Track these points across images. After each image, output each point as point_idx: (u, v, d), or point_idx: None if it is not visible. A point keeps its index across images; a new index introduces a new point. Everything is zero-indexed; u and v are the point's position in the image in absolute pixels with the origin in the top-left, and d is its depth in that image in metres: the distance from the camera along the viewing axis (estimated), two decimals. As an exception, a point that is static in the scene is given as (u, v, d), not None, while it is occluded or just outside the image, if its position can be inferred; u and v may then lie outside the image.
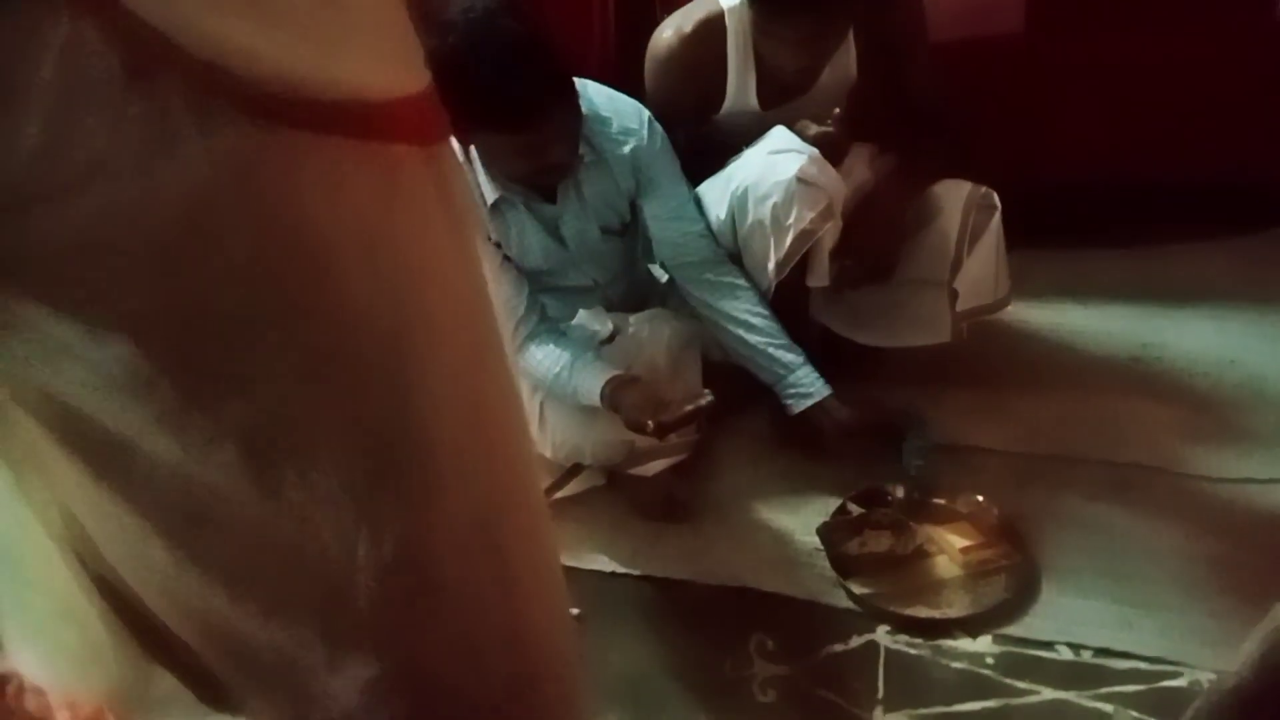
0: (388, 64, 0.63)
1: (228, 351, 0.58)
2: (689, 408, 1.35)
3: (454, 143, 1.37)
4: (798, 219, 1.46)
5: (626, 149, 1.52)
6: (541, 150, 1.39)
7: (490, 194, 1.49)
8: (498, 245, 1.53)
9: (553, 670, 0.73)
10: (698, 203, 1.60)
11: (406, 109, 0.65)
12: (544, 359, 1.49)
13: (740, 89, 1.61)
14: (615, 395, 1.41)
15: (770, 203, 1.47)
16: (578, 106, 1.42)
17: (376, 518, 0.60)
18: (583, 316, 1.63)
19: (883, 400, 1.59)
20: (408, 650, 0.63)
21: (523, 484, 0.72)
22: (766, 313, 1.54)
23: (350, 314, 0.59)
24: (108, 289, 0.55)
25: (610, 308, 1.64)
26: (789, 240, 1.48)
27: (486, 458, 0.67)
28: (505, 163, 1.44)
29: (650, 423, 1.35)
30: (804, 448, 1.58)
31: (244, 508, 0.59)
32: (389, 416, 0.61)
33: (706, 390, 1.40)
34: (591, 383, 1.44)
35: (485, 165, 1.47)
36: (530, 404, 1.55)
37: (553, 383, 1.48)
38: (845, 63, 1.59)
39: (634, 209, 1.60)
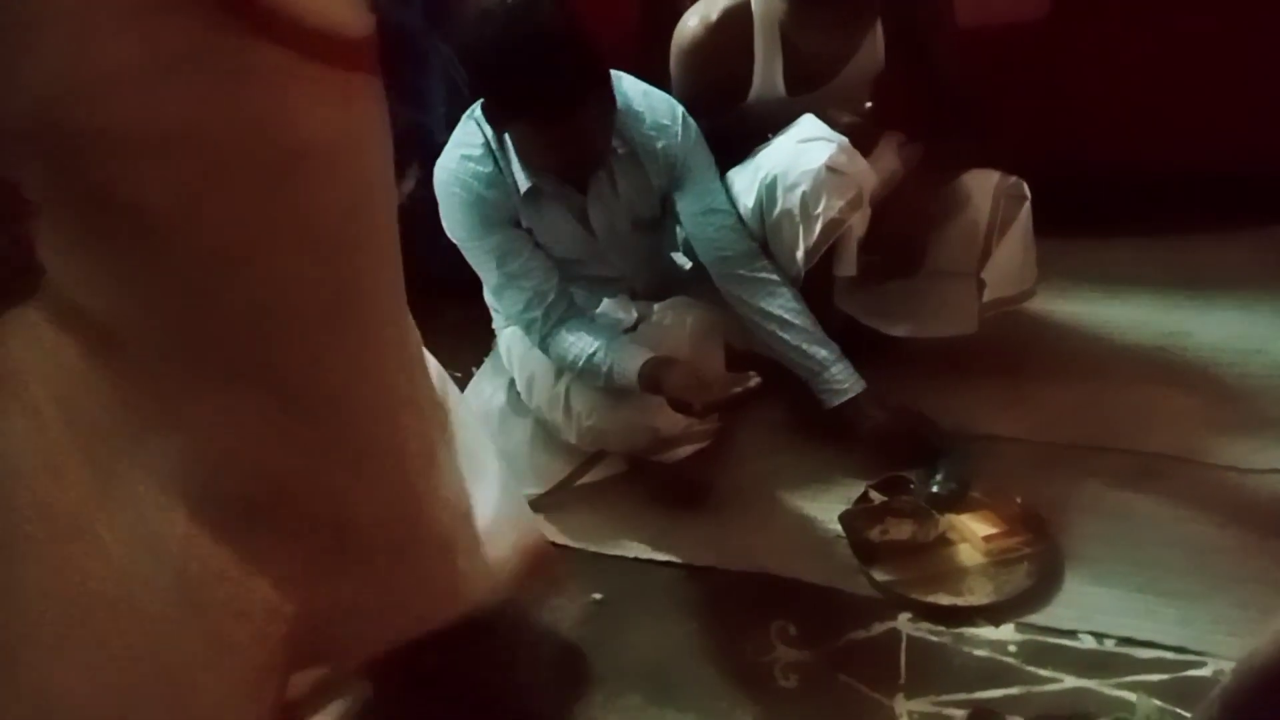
0: (357, 8, 0.80)
1: (232, 232, 0.75)
2: (737, 389, 1.35)
3: (488, 128, 1.40)
4: (827, 208, 1.46)
5: (660, 144, 1.52)
6: (575, 141, 1.40)
7: (523, 182, 1.50)
8: (529, 231, 1.54)
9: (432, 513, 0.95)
10: (728, 194, 1.59)
11: (367, 46, 0.80)
12: (575, 342, 1.50)
13: (767, 76, 1.61)
14: (656, 374, 1.42)
15: (799, 191, 1.47)
16: (613, 99, 1.43)
17: (335, 347, 0.84)
18: (607, 305, 1.64)
19: (923, 410, 1.57)
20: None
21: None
22: (801, 308, 1.54)
23: (318, 201, 0.78)
24: (123, 175, 0.70)
25: (634, 297, 1.65)
26: (818, 229, 1.48)
27: (404, 312, 0.95)
28: (539, 152, 1.45)
29: (696, 403, 1.36)
30: (834, 440, 1.59)
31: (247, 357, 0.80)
32: (345, 281, 0.83)
33: (752, 372, 1.39)
34: (628, 363, 1.45)
35: (519, 153, 1.48)
36: (555, 390, 1.57)
37: (585, 365, 1.49)
38: (873, 50, 1.59)
39: (665, 203, 1.60)
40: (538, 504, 1.59)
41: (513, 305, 1.55)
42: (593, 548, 1.51)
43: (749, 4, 1.57)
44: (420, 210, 1.93)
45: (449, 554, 0.99)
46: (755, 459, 1.62)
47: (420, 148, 1.88)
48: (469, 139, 1.51)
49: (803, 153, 1.48)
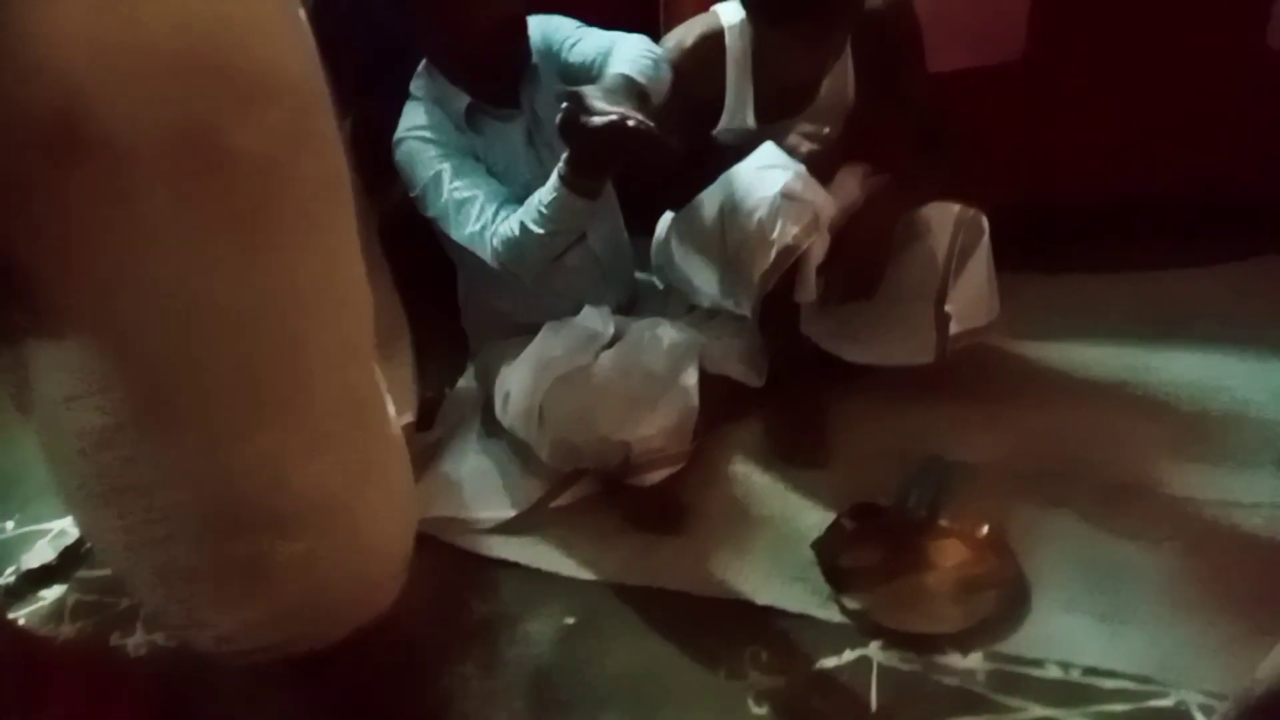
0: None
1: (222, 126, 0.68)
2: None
3: (425, 92, 1.52)
4: (782, 233, 1.48)
5: (568, 46, 1.60)
6: (489, 40, 1.48)
7: (461, 102, 1.55)
8: (477, 159, 1.58)
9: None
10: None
11: None
12: (511, 219, 1.49)
13: (738, 105, 1.64)
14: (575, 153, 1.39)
15: (756, 216, 1.49)
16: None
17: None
18: (588, 314, 1.65)
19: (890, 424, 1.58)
20: None
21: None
22: None
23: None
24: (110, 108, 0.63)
25: (604, 276, 1.70)
26: (773, 254, 1.49)
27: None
28: (462, 62, 1.53)
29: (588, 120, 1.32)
30: (800, 458, 1.61)
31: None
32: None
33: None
34: (547, 188, 1.44)
35: (451, 80, 1.56)
36: (529, 405, 1.57)
37: (529, 224, 1.47)
38: (843, 84, 1.62)
39: None
40: (511, 526, 1.59)
41: (463, 225, 1.53)
42: (565, 571, 1.51)
43: (723, 34, 1.60)
44: (399, 221, 1.93)
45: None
46: (729, 483, 1.62)
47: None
48: (412, 109, 1.58)
49: (761, 179, 1.50)
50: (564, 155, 1.42)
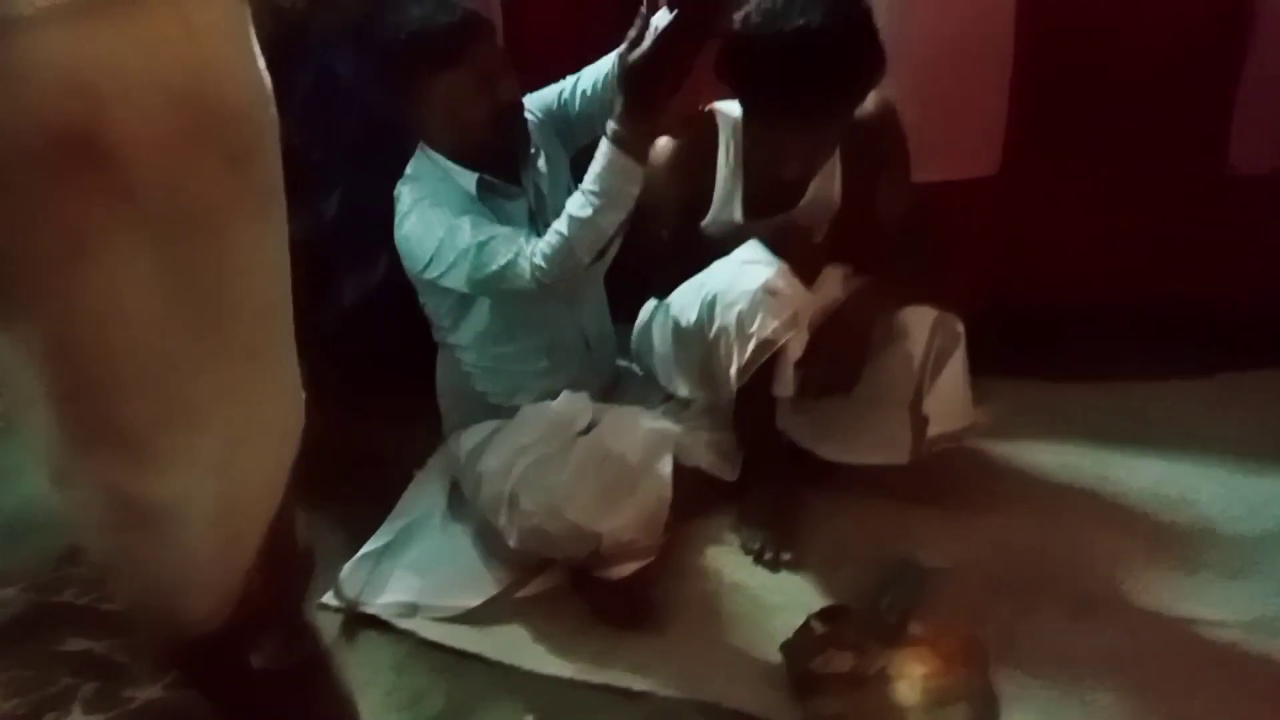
0: None
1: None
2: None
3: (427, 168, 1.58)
4: (760, 327, 1.49)
5: (552, 112, 1.67)
6: (487, 88, 1.53)
7: (470, 181, 1.58)
8: None
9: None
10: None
11: None
12: (553, 227, 1.47)
13: (727, 199, 1.67)
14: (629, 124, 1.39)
15: (736, 310, 1.50)
16: (497, 47, 1.61)
17: None
18: (566, 399, 1.65)
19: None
20: None
21: None
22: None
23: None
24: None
25: (589, 348, 1.73)
26: (750, 348, 1.50)
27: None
28: (468, 137, 1.57)
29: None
30: (772, 557, 1.60)
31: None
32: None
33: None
34: (593, 166, 1.44)
35: (454, 158, 1.59)
36: (503, 488, 1.55)
37: (570, 220, 1.44)
38: (829, 186, 1.66)
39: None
40: (474, 615, 1.55)
41: (490, 263, 1.50)
42: (527, 665, 1.46)
43: (716, 127, 1.64)
44: (378, 302, 1.93)
45: None
46: (699, 579, 1.60)
47: (387, 240, 1.89)
48: (415, 186, 1.60)
49: (743, 273, 1.52)
50: (612, 115, 1.41)
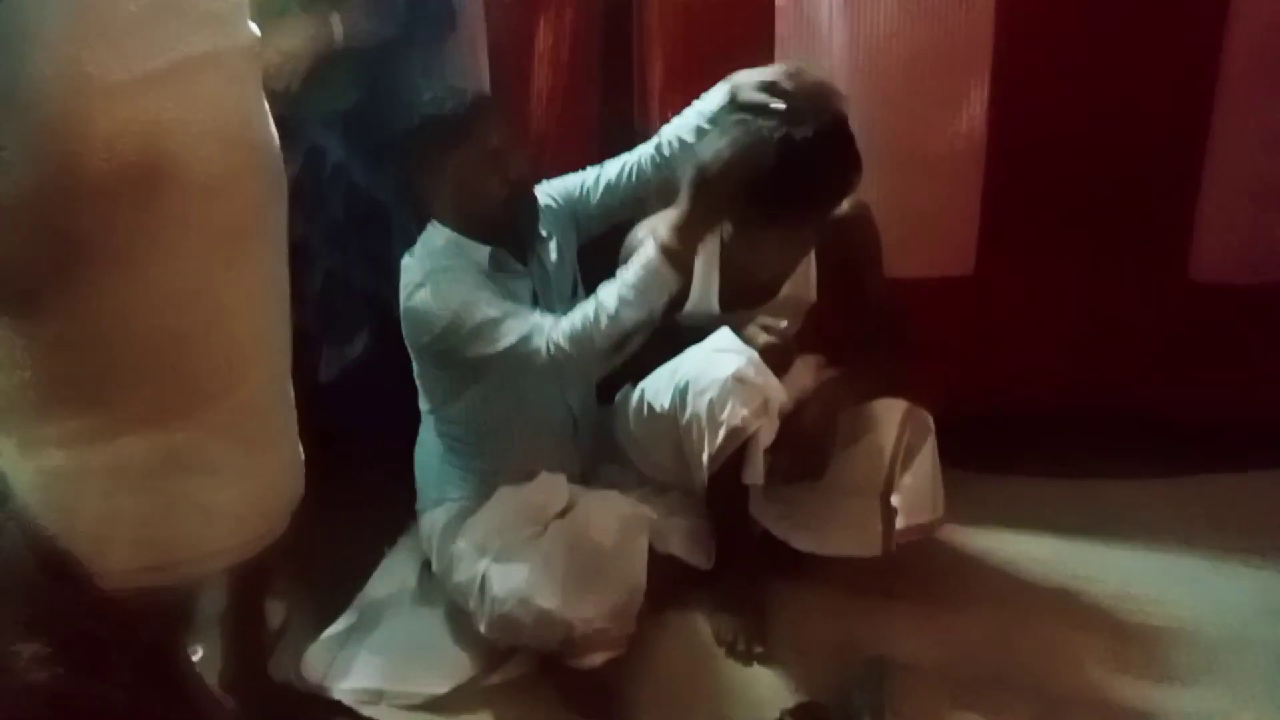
0: None
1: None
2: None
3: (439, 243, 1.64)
4: (731, 415, 1.49)
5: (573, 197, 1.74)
6: (499, 165, 1.59)
7: (484, 255, 1.60)
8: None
9: None
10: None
11: None
12: (579, 309, 1.49)
13: (703, 291, 1.70)
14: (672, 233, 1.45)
15: (707, 397, 1.51)
16: (506, 127, 1.66)
17: None
18: (543, 481, 1.64)
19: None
20: None
21: None
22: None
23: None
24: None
25: (575, 430, 1.74)
26: (721, 435, 1.51)
27: None
28: (472, 194, 1.60)
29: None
30: (743, 650, 1.58)
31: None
32: None
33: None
34: (633, 267, 1.46)
35: (469, 233, 1.61)
36: (474, 571, 1.53)
37: (599, 309, 1.46)
38: (804, 281, 1.69)
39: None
40: (441, 703, 1.52)
41: (505, 337, 1.51)
42: (492, 756, 1.43)
43: None
44: (358, 375, 1.93)
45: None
46: (669, 671, 1.58)
47: (374, 315, 1.90)
48: (425, 259, 1.61)
49: (714, 361, 1.54)
50: (662, 223, 1.46)
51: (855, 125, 1.51)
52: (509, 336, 1.51)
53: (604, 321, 1.45)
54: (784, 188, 1.45)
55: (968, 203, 1.91)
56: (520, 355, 1.51)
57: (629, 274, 1.46)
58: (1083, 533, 1.84)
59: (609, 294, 1.47)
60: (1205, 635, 1.59)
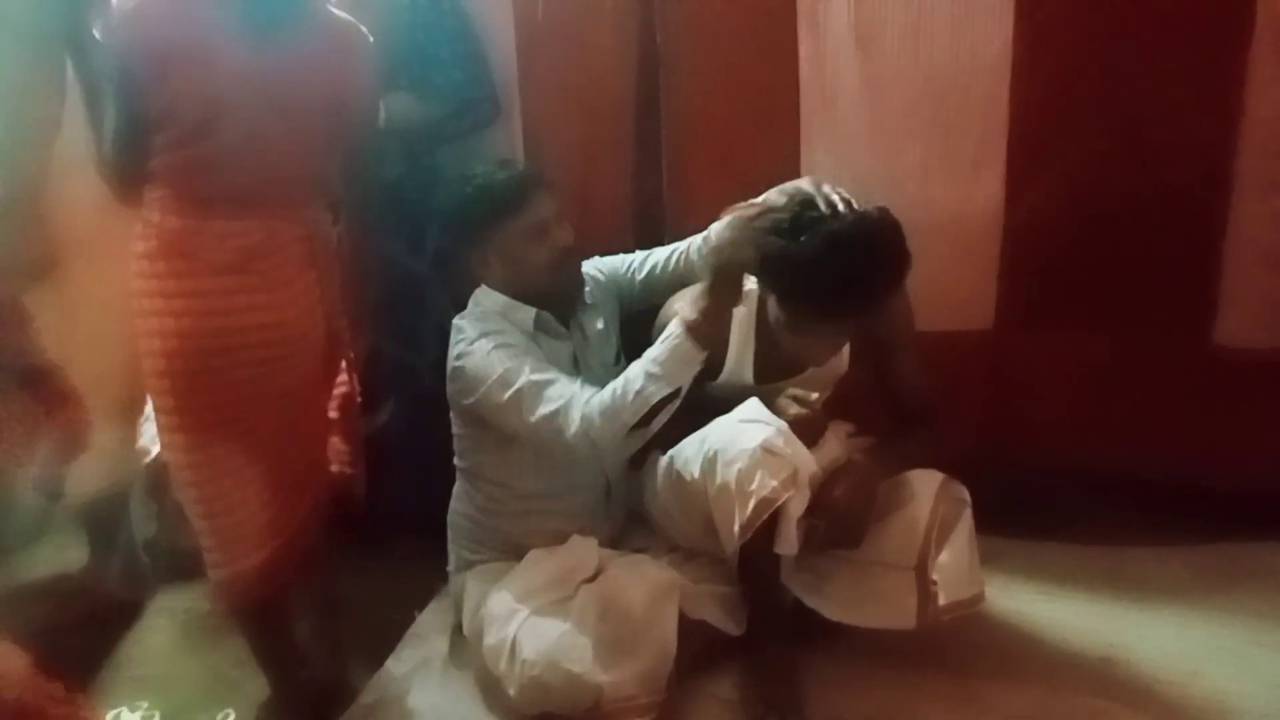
0: None
1: None
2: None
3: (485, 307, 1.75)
4: (760, 486, 1.49)
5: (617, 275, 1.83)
6: (546, 234, 1.67)
7: (528, 317, 1.68)
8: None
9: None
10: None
11: None
12: (610, 385, 1.53)
13: (738, 362, 1.72)
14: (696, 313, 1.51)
15: (736, 468, 1.51)
16: (554, 198, 1.72)
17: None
18: (574, 544, 1.65)
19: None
20: None
21: None
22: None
23: None
24: None
25: (608, 494, 1.76)
26: (750, 506, 1.50)
27: None
28: (521, 260, 1.68)
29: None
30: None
31: None
32: None
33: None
34: (660, 344, 1.52)
35: (516, 294, 1.69)
36: (504, 634, 1.52)
37: (626, 383, 1.51)
38: (838, 356, 1.70)
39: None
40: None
41: (541, 406, 1.55)
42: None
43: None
44: (387, 442, 1.96)
45: None
46: (699, 739, 1.56)
47: (403, 385, 1.94)
48: (474, 325, 1.67)
49: (743, 432, 1.55)
50: (687, 301, 1.52)
51: (879, 190, 1.56)
52: (544, 406, 1.55)
53: (630, 396, 1.49)
54: (838, 289, 1.47)
55: (987, 264, 1.96)
56: (555, 424, 1.54)
57: (655, 351, 1.51)
58: (1118, 601, 1.81)
59: (637, 370, 1.51)
60: (1251, 710, 1.55)
